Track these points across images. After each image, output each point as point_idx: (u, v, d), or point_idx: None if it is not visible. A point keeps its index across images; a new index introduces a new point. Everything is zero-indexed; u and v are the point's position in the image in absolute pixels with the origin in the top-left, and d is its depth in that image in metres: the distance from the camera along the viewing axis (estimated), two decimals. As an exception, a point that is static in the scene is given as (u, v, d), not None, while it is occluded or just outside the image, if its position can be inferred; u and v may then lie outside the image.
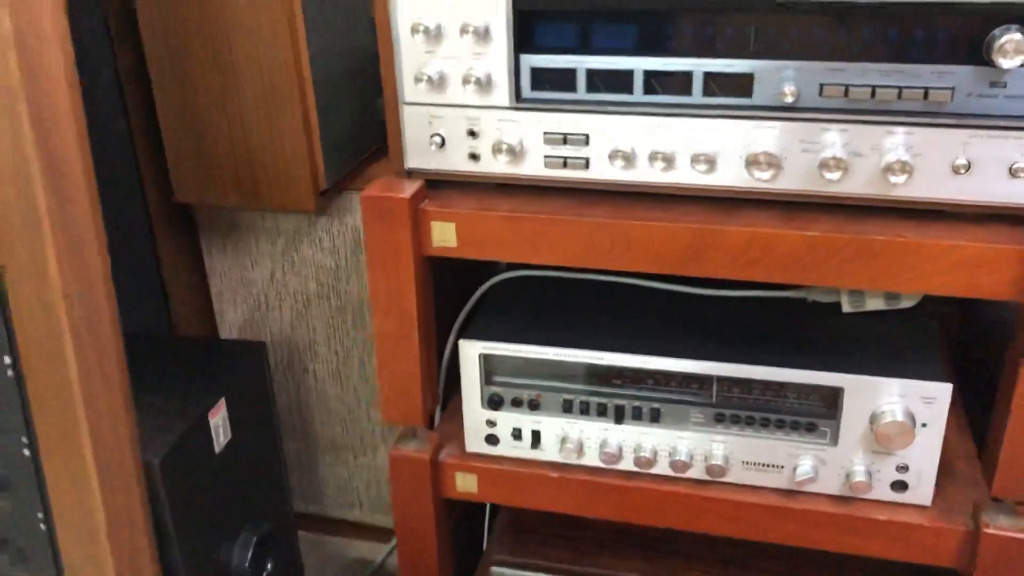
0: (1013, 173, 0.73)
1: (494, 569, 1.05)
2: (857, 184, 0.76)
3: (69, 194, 0.77)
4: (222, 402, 0.99)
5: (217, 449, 0.98)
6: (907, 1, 0.70)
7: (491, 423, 0.95)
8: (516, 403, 0.94)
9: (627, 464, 0.93)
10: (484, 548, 1.14)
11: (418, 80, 0.82)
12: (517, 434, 0.95)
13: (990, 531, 0.83)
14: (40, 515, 0.87)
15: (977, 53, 0.70)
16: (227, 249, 1.14)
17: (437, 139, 0.85)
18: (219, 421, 0.98)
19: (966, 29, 0.70)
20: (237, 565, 1.03)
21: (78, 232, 0.78)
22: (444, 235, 0.87)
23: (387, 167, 1.11)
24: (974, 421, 0.96)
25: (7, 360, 0.81)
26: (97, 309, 0.81)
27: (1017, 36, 0.67)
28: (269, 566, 1.06)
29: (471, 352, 0.93)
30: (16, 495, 0.86)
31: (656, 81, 0.78)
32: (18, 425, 0.84)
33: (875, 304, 0.93)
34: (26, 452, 0.85)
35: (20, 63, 0.71)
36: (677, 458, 0.90)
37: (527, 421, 0.94)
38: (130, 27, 1.00)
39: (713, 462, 0.90)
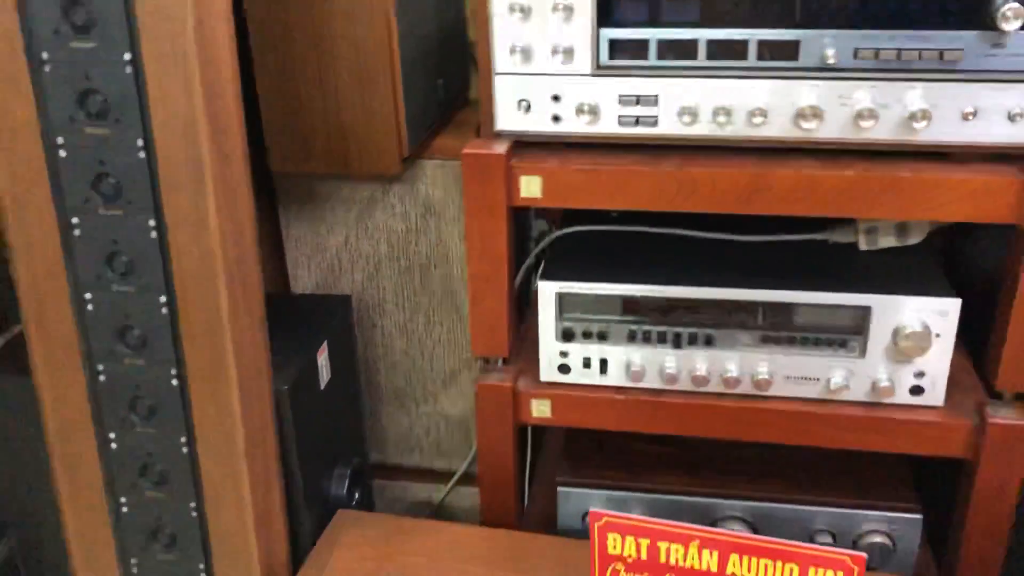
0: (1011, 118, 0.90)
1: (560, 489, 1.19)
2: (885, 131, 0.93)
3: (227, 151, 0.89)
4: (325, 345, 1.11)
5: (322, 385, 1.11)
6: (925, -21, 0.87)
7: (564, 354, 1.09)
8: (586, 335, 1.08)
9: (684, 384, 1.08)
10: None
11: (512, 52, 0.96)
12: (587, 363, 1.09)
13: (994, 421, 1.00)
14: (183, 439, 0.98)
15: (982, 19, 0.87)
16: (303, 216, 1.26)
17: (524, 104, 0.99)
18: (323, 361, 1.11)
19: (974, 2, 0.86)
20: (335, 492, 1.15)
21: (233, 184, 0.90)
22: (531, 188, 1.01)
23: (450, 140, 1.26)
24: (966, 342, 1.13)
25: (163, 299, 0.93)
26: (245, 252, 0.93)
27: (1015, 4, 0.84)
28: (357, 496, 1.19)
29: (548, 291, 1.07)
30: (162, 422, 0.98)
31: (717, 48, 0.94)
32: (169, 358, 0.95)
33: (888, 242, 1.10)
34: (174, 382, 0.96)
35: (196, 36, 0.83)
36: (729, 375, 1.06)
37: (595, 351, 1.09)
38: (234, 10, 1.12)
39: (760, 377, 1.05)
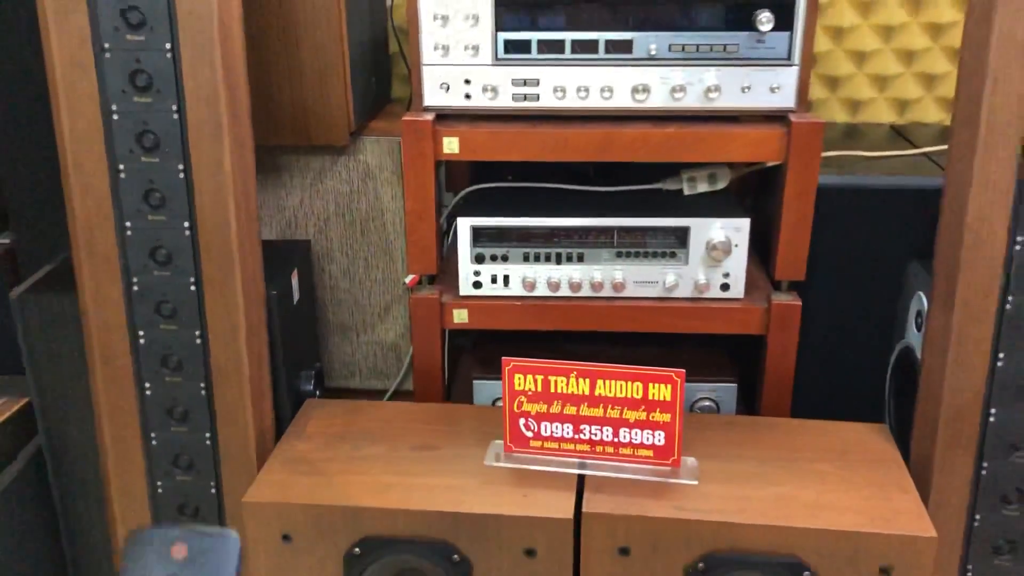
0: (772, 90, 1.35)
1: (475, 381, 1.57)
2: (692, 101, 1.36)
3: (237, 112, 1.24)
4: (295, 271, 1.46)
5: (294, 301, 1.46)
6: (711, -2, 1.32)
7: (476, 273, 1.48)
8: (492, 258, 1.47)
9: (564, 291, 1.48)
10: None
11: (435, 48, 1.36)
12: (494, 279, 1.48)
13: (776, 303, 1.43)
14: (197, 332, 1.31)
15: (749, 23, 1.31)
16: (268, 183, 1.61)
17: (444, 86, 1.39)
18: (295, 283, 1.46)
19: (744, 12, 1.31)
20: (304, 388, 1.49)
21: (241, 138, 1.26)
22: (451, 146, 1.40)
23: (381, 123, 1.64)
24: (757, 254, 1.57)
25: (186, 224, 1.27)
26: (248, 189, 1.28)
27: (768, 13, 1.29)
28: (317, 394, 1.53)
29: (464, 225, 1.45)
30: (181, 321, 1.31)
31: (578, 45, 1.36)
32: (188, 269, 1.29)
33: (703, 187, 1.54)
34: (192, 288, 1.30)
35: (218, 31, 1.19)
36: (595, 281, 1.46)
37: (500, 270, 1.47)
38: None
39: (616, 281, 1.46)
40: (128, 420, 1.35)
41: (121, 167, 1.24)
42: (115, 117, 1.22)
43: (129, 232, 1.27)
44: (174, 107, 1.22)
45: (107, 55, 1.20)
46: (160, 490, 1.38)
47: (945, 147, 1.60)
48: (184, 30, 1.19)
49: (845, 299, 1.54)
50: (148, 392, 1.34)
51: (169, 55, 1.20)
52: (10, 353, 1.69)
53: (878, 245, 1.50)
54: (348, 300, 1.69)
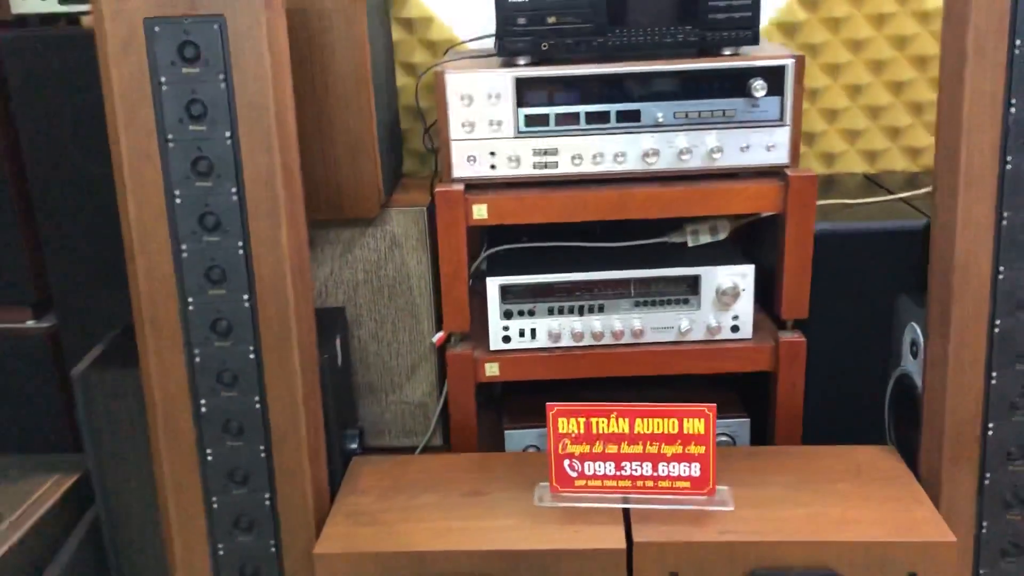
0: (768, 149, 1.50)
1: (506, 431, 1.66)
2: (697, 162, 1.51)
3: (292, 191, 1.35)
4: (338, 337, 1.56)
5: (339, 363, 1.55)
6: (712, 69, 1.47)
7: (505, 328, 1.59)
8: (520, 314, 1.58)
9: (587, 340, 1.59)
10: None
11: (463, 125, 1.49)
12: (521, 333, 1.59)
13: (783, 340, 1.57)
14: (256, 398, 1.39)
15: (744, 91, 1.47)
16: (298, 257, 1.71)
17: (471, 158, 1.51)
18: (339, 347, 1.55)
19: (740, 81, 1.47)
20: (349, 446, 1.58)
21: (295, 216, 1.36)
22: (480, 212, 1.52)
23: (402, 195, 1.76)
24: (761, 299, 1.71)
25: (245, 296, 1.36)
26: (302, 262, 1.38)
27: (761, 81, 1.44)
28: (360, 452, 1.62)
29: (493, 284, 1.57)
30: (241, 388, 1.39)
31: (591, 116, 1.50)
32: (248, 339, 1.37)
33: (705, 238, 1.68)
34: (251, 356, 1.38)
35: (275, 117, 1.30)
36: (616, 330, 1.58)
37: (527, 324, 1.59)
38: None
39: (635, 329, 1.58)
40: (190, 485, 1.42)
41: (184, 247, 1.34)
42: (178, 201, 1.32)
43: (191, 307, 1.36)
44: (233, 189, 1.32)
45: (164, 87, 1.29)
46: (221, 552, 1.44)
47: (918, 191, 1.77)
48: (243, 120, 1.30)
49: (841, 334, 1.67)
50: (210, 458, 1.41)
51: (229, 142, 1.30)
52: (53, 430, 1.75)
53: (867, 283, 1.65)
54: (377, 363, 1.78)
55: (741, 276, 1.57)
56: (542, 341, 1.59)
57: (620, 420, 1.35)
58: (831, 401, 1.70)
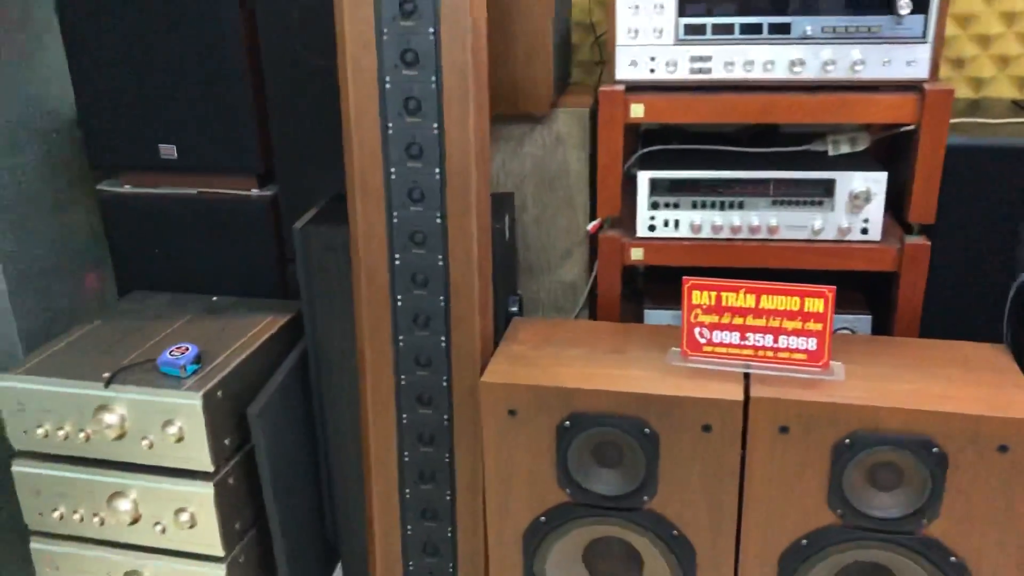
0: (908, 64, 1.63)
1: (646, 310, 1.89)
2: (840, 73, 1.65)
3: (480, 83, 1.59)
4: (507, 215, 1.82)
5: (507, 238, 1.81)
6: (859, -12, 1.61)
7: (652, 218, 1.80)
8: (665, 205, 1.79)
9: (726, 234, 1.78)
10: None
11: (628, 32, 1.69)
12: (666, 223, 1.80)
13: (908, 243, 1.71)
14: (439, 256, 1.67)
15: (890, 7, 1.60)
16: (476, 147, 1.97)
17: (633, 63, 1.71)
18: (507, 224, 1.81)
19: (885, -2, 1.60)
20: (511, 309, 1.84)
21: (481, 104, 1.61)
22: (636, 111, 1.72)
23: (569, 97, 1.98)
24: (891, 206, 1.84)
25: (437, 170, 1.63)
26: (484, 144, 1.63)
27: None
28: (519, 315, 1.88)
29: (644, 177, 1.78)
30: (428, 247, 1.67)
31: (745, 28, 1.66)
32: (436, 205, 1.65)
33: (845, 148, 1.82)
34: (438, 221, 1.66)
35: (472, 19, 1.54)
36: (753, 225, 1.76)
37: (671, 215, 1.79)
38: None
39: (771, 225, 1.76)
40: (382, 325, 1.72)
41: (390, 124, 1.61)
42: (388, 86, 1.59)
43: (393, 176, 1.64)
44: (433, 78, 1.58)
45: (385, 37, 1.57)
46: (404, 382, 1.75)
47: (1062, 114, 1.84)
48: (445, 19, 1.55)
49: (967, 244, 1.79)
50: (400, 303, 1.71)
51: (432, 38, 1.56)
52: (266, 280, 2.10)
53: (997, 197, 1.75)
54: (536, 245, 2.04)
55: (875, 182, 1.71)
56: (684, 231, 1.80)
57: (747, 296, 1.55)
58: (952, 307, 1.82)
